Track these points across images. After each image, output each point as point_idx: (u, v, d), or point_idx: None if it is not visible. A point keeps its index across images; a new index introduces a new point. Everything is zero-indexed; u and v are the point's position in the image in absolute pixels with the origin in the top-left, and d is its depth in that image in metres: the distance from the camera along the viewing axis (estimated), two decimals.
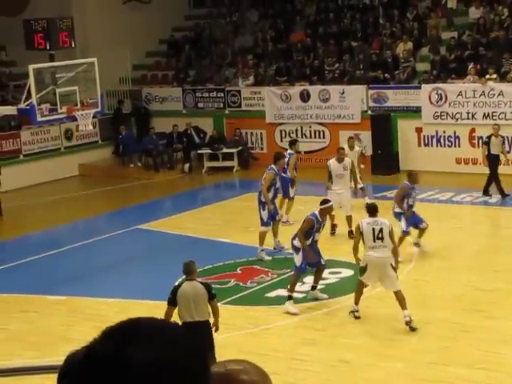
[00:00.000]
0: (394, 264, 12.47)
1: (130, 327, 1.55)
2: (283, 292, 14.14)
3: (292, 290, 13.35)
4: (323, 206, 13.50)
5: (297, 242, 13.44)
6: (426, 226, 15.75)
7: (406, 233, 15.59)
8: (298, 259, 13.40)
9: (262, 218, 16.24)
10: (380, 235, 12.43)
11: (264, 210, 16.21)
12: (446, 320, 12.56)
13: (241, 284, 14.76)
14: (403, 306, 12.24)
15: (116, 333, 1.54)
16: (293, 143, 19.25)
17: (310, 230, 13.29)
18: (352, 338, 12.05)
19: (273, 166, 16.77)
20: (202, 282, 10.71)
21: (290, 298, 13.32)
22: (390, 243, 12.54)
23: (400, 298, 12.29)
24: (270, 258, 16.02)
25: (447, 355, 11.37)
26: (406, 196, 15.66)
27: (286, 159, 17.80)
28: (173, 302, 10.30)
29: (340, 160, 17.33)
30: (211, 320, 10.43)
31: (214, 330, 10.45)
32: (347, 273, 14.90)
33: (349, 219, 16.86)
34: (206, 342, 10.03)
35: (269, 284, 14.69)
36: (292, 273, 13.81)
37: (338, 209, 16.76)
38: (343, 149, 17.97)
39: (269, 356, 11.57)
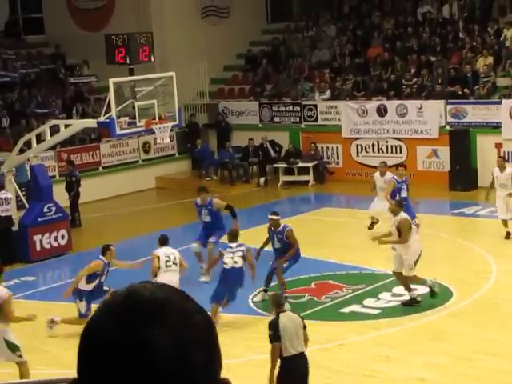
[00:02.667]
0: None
1: (135, 302, 1.41)
2: (358, 308, 14.02)
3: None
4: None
5: None
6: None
7: None
8: None
9: None
10: None
11: None
12: None
13: (315, 299, 14.68)
14: None
15: (122, 311, 1.40)
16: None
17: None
18: (428, 356, 11.84)
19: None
20: (293, 312, 10.52)
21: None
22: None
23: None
24: None
25: None
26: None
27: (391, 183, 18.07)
28: (278, 338, 9.71)
29: (382, 174, 18.68)
30: None
31: None
32: (423, 290, 14.68)
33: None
34: (306, 372, 9.80)
35: (343, 299, 14.56)
36: None
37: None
38: (383, 162, 19.49)
39: (342, 372, 11.48)
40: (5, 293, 11.03)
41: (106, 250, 13.68)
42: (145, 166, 26.82)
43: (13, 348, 11.03)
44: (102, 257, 13.62)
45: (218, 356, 1.47)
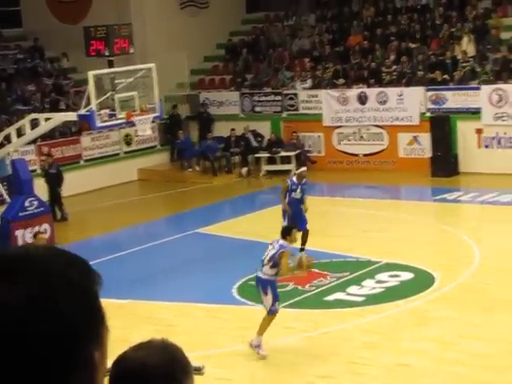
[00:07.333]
0: None
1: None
2: (342, 295, 14.09)
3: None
4: (298, 171, 16.24)
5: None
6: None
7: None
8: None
9: None
10: None
11: None
12: (510, 324, 12.34)
13: (299, 287, 14.72)
14: None
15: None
16: None
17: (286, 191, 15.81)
18: (412, 342, 11.92)
19: None
20: None
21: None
22: None
23: None
24: None
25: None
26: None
27: None
28: None
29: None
30: None
31: None
32: (406, 276, 14.77)
33: None
34: None
35: (327, 287, 14.62)
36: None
37: None
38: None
39: (328, 360, 11.54)
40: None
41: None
42: (127, 159, 26.74)
43: None
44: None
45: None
